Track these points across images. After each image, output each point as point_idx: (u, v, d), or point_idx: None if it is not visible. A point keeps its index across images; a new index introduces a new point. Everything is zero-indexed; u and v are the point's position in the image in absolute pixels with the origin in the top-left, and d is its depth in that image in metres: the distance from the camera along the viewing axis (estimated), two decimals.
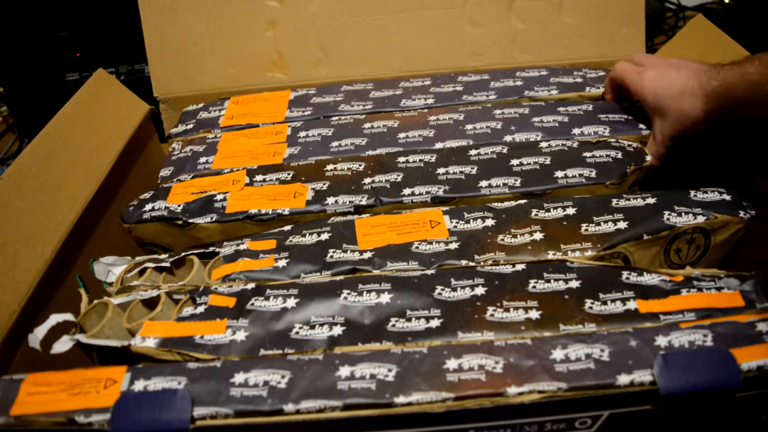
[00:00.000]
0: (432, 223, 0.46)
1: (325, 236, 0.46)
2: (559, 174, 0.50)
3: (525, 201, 0.48)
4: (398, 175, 0.52)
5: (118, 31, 0.86)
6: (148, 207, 0.52)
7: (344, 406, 0.33)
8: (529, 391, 0.33)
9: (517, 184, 0.50)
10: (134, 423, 0.33)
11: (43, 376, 0.36)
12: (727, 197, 0.46)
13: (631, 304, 0.39)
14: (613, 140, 0.53)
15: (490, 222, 0.46)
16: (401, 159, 0.53)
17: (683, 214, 0.45)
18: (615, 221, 0.45)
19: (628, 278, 0.40)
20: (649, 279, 0.40)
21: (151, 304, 0.43)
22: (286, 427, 0.34)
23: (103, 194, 0.57)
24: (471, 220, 0.46)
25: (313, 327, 0.39)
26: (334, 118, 0.61)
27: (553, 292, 0.40)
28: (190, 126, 0.64)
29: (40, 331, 0.38)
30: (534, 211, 0.47)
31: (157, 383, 0.35)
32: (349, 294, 0.41)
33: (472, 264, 0.43)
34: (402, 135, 0.57)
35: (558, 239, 0.44)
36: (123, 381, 0.35)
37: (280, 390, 0.34)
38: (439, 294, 0.40)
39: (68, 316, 0.40)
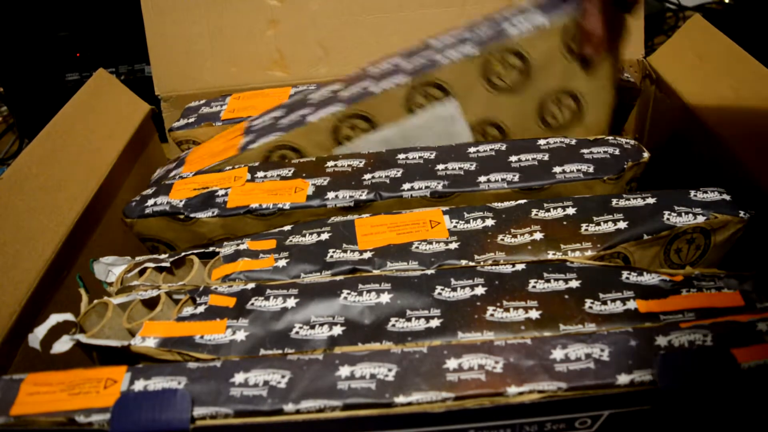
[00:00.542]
0: (432, 223, 0.46)
1: (325, 236, 0.46)
2: (557, 169, 0.50)
3: (525, 201, 0.48)
4: (398, 171, 0.52)
5: (118, 31, 0.87)
6: (150, 202, 0.53)
7: (344, 405, 0.33)
8: (529, 391, 0.33)
9: (516, 179, 0.50)
10: (134, 423, 0.33)
11: (43, 376, 0.36)
12: (727, 197, 0.46)
13: (631, 304, 0.39)
14: (610, 138, 0.54)
15: (490, 222, 0.46)
16: (401, 156, 0.54)
17: (683, 214, 0.45)
18: (615, 221, 0.45)
19: (628, 278, 0.40)
20: (649, 279, 0.40)
21: (151, 304, 0.43)
22: (286, 427, 0.34)
23: (103, 194, 0.57)
24: (471, 220, 0.46)
25: (313, 327, 0.39)
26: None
27: (553, 292, 0.40)
28: (192, 119, 0.65)
29: (40, 331, 0.38)
30: (534, 211, 0.47)
31: (157, 383, 0.35)
32: (349, 294, 0.41)
33: (472, 264, 0.43)
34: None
35: (558, 239, 0.44)
36: (123, 381, 0.35)
37: (280, 390, 0.34)
38: (439, 294, 0.40)
39: (68, 316, 0.40)
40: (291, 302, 0.40)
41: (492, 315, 0.39)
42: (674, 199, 0.46)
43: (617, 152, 0.52)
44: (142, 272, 0.46)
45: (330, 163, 0.54)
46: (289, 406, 0.33)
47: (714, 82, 0.57)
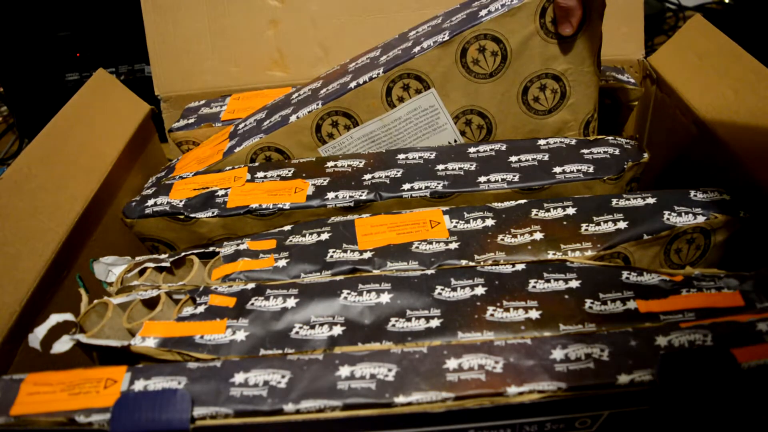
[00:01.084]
0: (432, 223, 0.46)
1: (325, 236, 0.46)
2: (557, 170, 0.50)
3: (525, 201, 0.48)
4: (398, 172, 0.52)
5: (118, 31, 0.87)
6: (150, 202, 0.53)
7: (344, 405, 0.33)
8: (529, 391, 0.33)
9: (516, 179, 0.50)
10: (134, 423, 0.33)
11: (43, 376, 0.36)
12: (727, 197, 0.46)
13: (631, 304, 0.39)
14: (611, 138, 0.54)
15: (490, 222, 0.46)
16: (401, 156, 0.54)
17: (683, 214, 0.45)
18: (615, 221, 0.45)
19: (628, 278, 0.40)
20: (649, 279, 0.40)
21: (151, 304, 0.43)
22: (286, 427, 0.34)
23: (103, 194, 0.57)
24: (471, 220, 0.46)
25: (313, 327, 0.39)
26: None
27: (553, 292, 0.40)
28: (192, 120, 0.65)
29: (40, 331, 0.38)
30: (534, 211, 0.47)
31: (157, 383, 0.35)
32: (349, 294, 0.41)
33: (472, 264, 0.43)
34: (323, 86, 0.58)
35: (558, 239, 0.44)
36: (123, 381, 0.35)
37: (280, 390, 0.34)
38: (439, 294, 0.40)
39: (68, 316, 0.40)
40: (291, 302, 0.40)
41: (492, 315, 0.39)
42: (674, 199, 0.46)
43: (617, 152, 0.51)
44: (142, 272, 0.46)
45: (330, 164, 0.54)
46: (289, 406, 0.33)
47: (714, 82, 0.57)
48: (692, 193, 0.47)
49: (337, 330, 0.39)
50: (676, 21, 1.07)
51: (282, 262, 0.45)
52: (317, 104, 0.55)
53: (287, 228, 0.48)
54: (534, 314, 0.38)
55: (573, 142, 0.53)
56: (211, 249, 0.48)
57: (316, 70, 0.72)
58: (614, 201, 0.47)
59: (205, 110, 0.66)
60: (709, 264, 0.47)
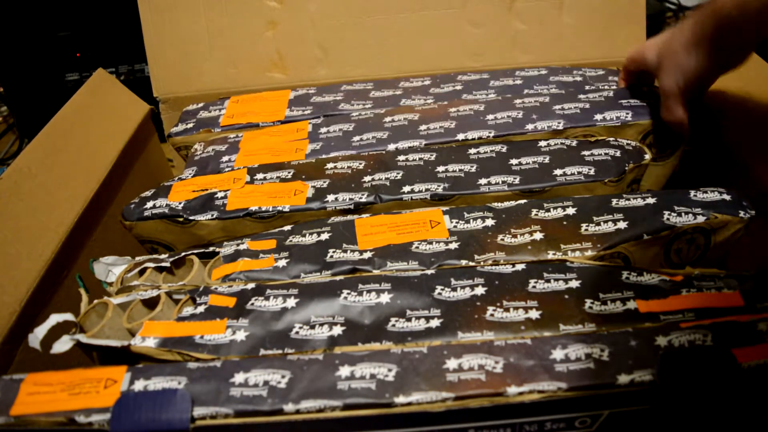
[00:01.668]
0: (432, 223, 0.46)
1: (325, 236, 0.46)
2: (558, 172, 0.50)
3: (525, 201, 0.48)
4: (398, 173, 0.52)
5: (118, 31, 0.87)
6: (149, 204, 0.53)
7: (344, 405, 0.33)
8: (529, 390, 0.33)
9: (516, 181, 0.50)
10: (134, 423, 0.33)
11: (43, 376, 0.36)
12: (727, 197, 0.46)
13: (631, 304, 0.39)
14: (611, 139, 0.53)
15: (490, 222, 0.46)
16: (401, 157, 0.54)
17: (683, 214, 0.45)
18: (615, 221, 0.45)
19: (628, 278, 0.40)
20: (649, 279, 0.40)
21: (151, 304, 0.43)
22: (286, 427, 0.34)
23: (103, 194, 0.57)
24: (471, 220, 0.46)
25: (313, 327, 0.39)
26: (354, 114, 0.61)
27: (553, 292, 0.40)
28: (191, 125, 0.64)
29: (40, 331, 0.38)
30: (534, 211, 0.47)
31: (157, 383, 0.35)
32: (349, 294, 0.41)
33: (472, 264, 0.43)
34: (423, 127, 0.57)
35: (558, 239, 0.44)
36: (123, 381, 0.35)
37: (280, 390, 0.34)
38: (439, 294, 0.40)
39: (68, 316, 0.40)
40: (291, 302, 0.40)
41: (492, 315, 0.39)
42: (674, 199, 0.46)
43: (618, 154, 0.51)
44: (142, 272, 0.46)
45: (330, 165, 0.54)
46: (289, 406, 0.33)
47: (718, 82, 0.58)
48: (692, 193, 0.47)
49: (337, 330, 0.39)
50: (676, 21, 1.07)
51: (282, 262, 0.45)
52: (420, 143, 0.56)
53: (287, 228, 0.48)
54: (534, 314, 0.38)
55: (573, 143, 0.53)
56: (211, 249, 0.48)
57: (315, 71, 0.72)
58: (614, 201, 0.47)
59: (204, 114, 0.66)
60: (709, 264, 0.47)
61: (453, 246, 0.44)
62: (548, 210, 0.46)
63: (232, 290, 0.42)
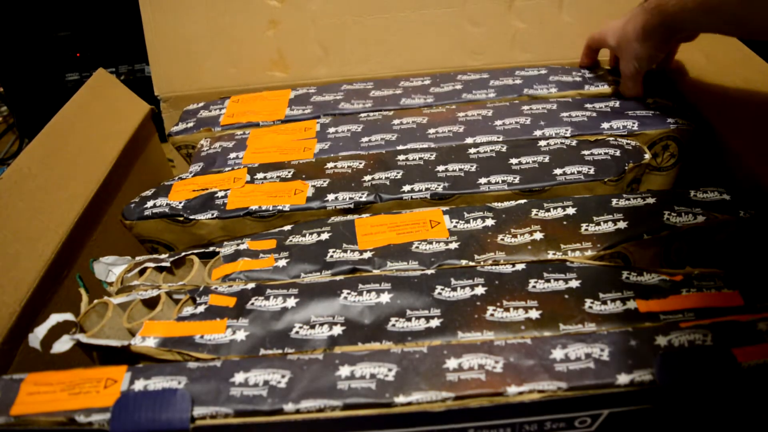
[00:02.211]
0: (432, 222, 0.46)
1: (325, 236, 0.46)
2: (557, 171, 0.50)
3: (525, 201, 0.48)
4: (398, 173, 0.52)
5: (118, 30, 0.87)
6: (150, 204, 0.53)
7: (344, 405, 0.33)
8: (529, 390, 0.33)
9: (516, 181, 0.50)
10: (134, 423, 0.33)
11: (43, 375, 0.36)
12: (727, 197, 0.46)
13: (631, 304, 0.39)
14: (611, 139, 0.53)
15: (490, 222, 0.46)
16: (401, 157, 0.54)
17: (683, 214, 0.45)
18: (615, 221, 0.45)
19: (628, 278, 0.40)
20: (649, 279, 0.40)
21: (151, 303, 0.43)
22: (286, 427, 0.34)
23: (103, 194, 0.57)
24: (471, 220, 0.46)
25: (313, 327, 0.39)
26: (362, 115, 0.61)
27: (553, 292, 0.40)
28: (191, 124, 0.64)
29: (40, 331, 0.38)
30: (534, 211, 0.47)
31: (157, 383, 0.35)
32: (349, 294, 0.41)
33: (472, 264, 0.43)
34: (432, 131, 0.57)
35: (558, 239, 0.44)
36: (123, 381, 0.35)
37: (280, 390, 0.34)
38: (439, 294, 0.40)
39: (68, 316, 0.40)
40: (291, 302, 0.40)
41: (492, 315, 0.39)
42: (674, 199, 0.46)
43: (618, 153, 0.51)
44: (142, 272, 0.46)
45: (330, 164, 0.54)
46: (289, 406, 0.33)
47: (720, 82, 0.58)
48: (692, 193, 0.47)
49: (337, 330, 0.39)
50: None
51: (282, 262, 0.45)
52: (428, 146, 0.56)
53: (287, 228, 0.48)
54: (534, 314, 0.38)
55: (573, 143, 0.53)
56: (211, 249, 0.48)
57: (316, 70, 0.72)
58: (614, 201, 0.47)
59: (204, 113, 0.66)
60: (709, 264, 0.47)
61: (453, 246, 0.44)
62: (548, 210, 0.46)
63: (232, 290, 0.42)
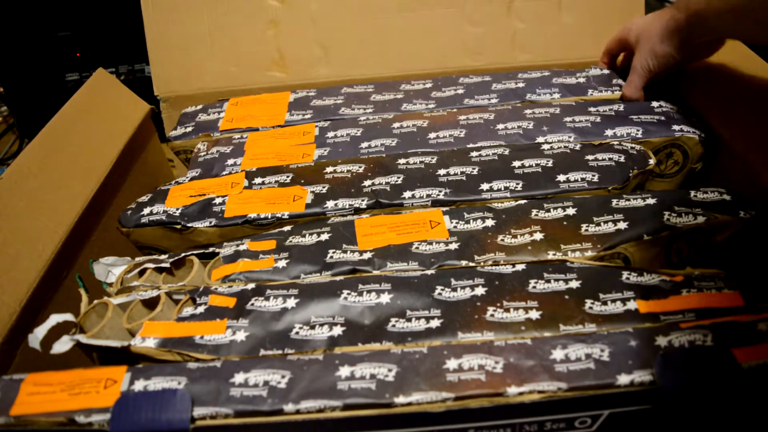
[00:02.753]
0: (432, 223, 0.46)
1: (324, 237, 0.46)
2: (561, 178, 0.50)
3: (525, 201, 0.48)
4: (398, 177, 0.52)
5: (118, 30, 0.87)
6: (146, 211, 0.52)
7: (344, 406, 0.33)
8: (529, 391, 0.33)
9: (519, 187, 0.49)
10: (134, 423, 0.33)
11: (43, 376, 0.36)
12: (727, 197, 0.46)
13: (631, 305, 0.39)
14: (616, 143, 0.53)
15: (490, 222, 0.46)
16: (401, 161, 0.53)
17: (683, 214, 0.45)
18: (615, 221, 0.45)
19: (628, 278, 0.40)
20: (649, 279, 0.40)
21: (151, 304, 0.43)
22: (286, 427, 0.34)
23: (103, 194, 0.57)
24: (471, 221, 0.46)
25: (313, 327, 0.39)
26: (362, 119, 0.61)
27: (553, 292, 0.40)
28: (189, 129, 0.64)
29: (40, 332, 0.38)
30: (534, 212, 0.46)
31: (157, 383, 0.35)
32: (349, 294, 0.41)
33: (472, 264, 0.43)
34: (432, 135, 0.57)
35: (558, 239, 0.44)
36: (123, 381, 0.35)
37: (280, 390, 0.34)
38: (439, 294, 0.40)
39: (68, 317, 0.40)
40: (291, 302, 0.40)
41: (492, 315, 0.39)
42: (674, 199, 0.46)
43: (622, 159, 0.51)
44: (142, 273, 0.46)
45: (329, 169, 0.53)
46: (289, 406, 0.33)
47: (722, 83, 0.58)
48: (692, 193, 0.47)
49: (337, 330, 0.39)
50: None
51: (282, 263, 0.45)
52: (430, 150, 0.55)
53: (287, 228, 0.48)
54: (534, 314, 0.38)
55: (577, 146, 0.53)
56: (210, 250, 0.48)
57: (316, 70, 0.72)
58: (614, 201, 0.47)
59: (203, 117, 0.65)
60: (709, 264, 0.47)
61: (453, 246, 0.44)
62: (548, 210, 0.46)
63: (232, 291, 0.42)
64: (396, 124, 0.58)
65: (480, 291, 0.40)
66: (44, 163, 0.54)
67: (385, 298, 0.40)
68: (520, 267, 0.42)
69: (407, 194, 0.50)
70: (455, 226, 0.46)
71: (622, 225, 0.44)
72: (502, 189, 0.49)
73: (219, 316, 0.40)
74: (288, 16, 0.71)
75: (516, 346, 0.35)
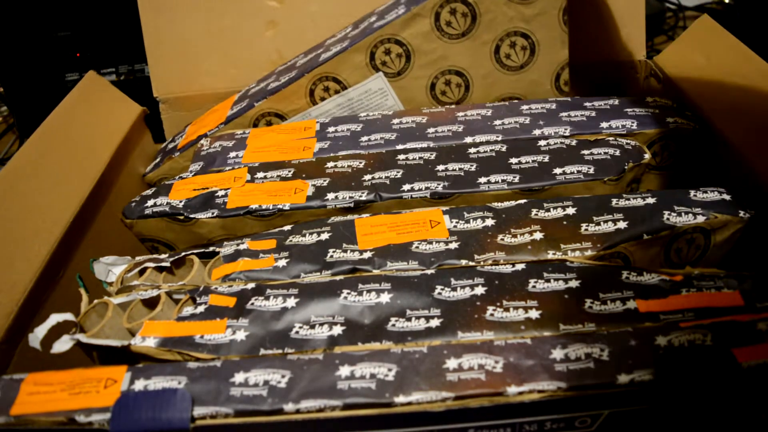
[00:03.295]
0: (432, 222, 0.46)
1: (325, 236, 0.46)
2: (557, 171, 0.50)
3: (525, 201, 0.48)
4: (398, 172, 0.52)
5: (118, 31, 0.87)
6: (150, 203, 0.53)
7: (344, 405, 0.33)
8: (528, 390, 0.33)
9: (516, 180, 0.50)
10: (134, 422, 0.33)
11: (43, 375, 0.36)
12: (727, 197, 0.46)
13: (631, 304, 0.39)
14: (611, 138, 0.54)
15: (490, 222, 0.46)
16: (401, 156, 0.54)
17: (683, 214, 0.45)
18: (615, 221, 0.45)
19: (627, 278, 0.40)
20: (648, 279, 0.40)
21: (151, 303, 0.43)
22: (286, 427, 0.34)
23: (97, 194, 0.57)
24: (471, 220, 0.46)
25: (313, 327, 0.39)
26: (362, 115, 0.62)
27: (552, 292, 0.40)
28: (157, 159, 0.66)
29: (40, 331, 0.38)
30: (534, 211, 0.47)
31: (157, 383, 0.35)
32: (349, 294, 0.41)
33: (472, 264, 0.43)
34: (431, 130, 0.58)
35: (558, 239, 0.44)
36: (123, 380, 0.35)
37: (280, 389, 0.34)
38: (439, 294, 0.40)
39: (68, 316, 0.40)
40: (291, 302, 0.40)
41: (492, 315, 0.39)
42: (674, 199, 0.46)
43: (618, 153, 0.52)
44: (142, 272, 0.46)
45: (330, 164, 0.54)
46: (289, 406, 0.33)
47: (721, 83, 0.58)
48: (692, 193, 0.47)
49: (337, 330, 0.39)
50: (676, 21, 1.07)
51: (282, 262, 0.45)
52: (428, 145, 0.57)
53: (287, 228, 0.48)
54: (534, 314, 0.38)
55: (573, 142, 0.53)
56: (211, 249, 0.48)
57: None
58: (614, 201, 0.47)
59: (169, 146, 0.67)
60: (709, 264, 0.47)
61: (453, 246, 0.44)
62: (548, 210, 0.46)
63: (232, 290, 0.42)
64: (395, 120, 0.59)
65: (480, 290, 0.40)
66: (38, 164, 0.54)
67: (385, 298, 0.40)
68: (519, 266, 0.42)
69: (406, 187, 0.51)
70: (455, 226, 0.46)
71: (622, 224, 0.44)
72: (500, 181, 0.50)
73: (219, 315, 0.40)
74: (287, 16, 0.71)
75: (516, 346, 0.35)
